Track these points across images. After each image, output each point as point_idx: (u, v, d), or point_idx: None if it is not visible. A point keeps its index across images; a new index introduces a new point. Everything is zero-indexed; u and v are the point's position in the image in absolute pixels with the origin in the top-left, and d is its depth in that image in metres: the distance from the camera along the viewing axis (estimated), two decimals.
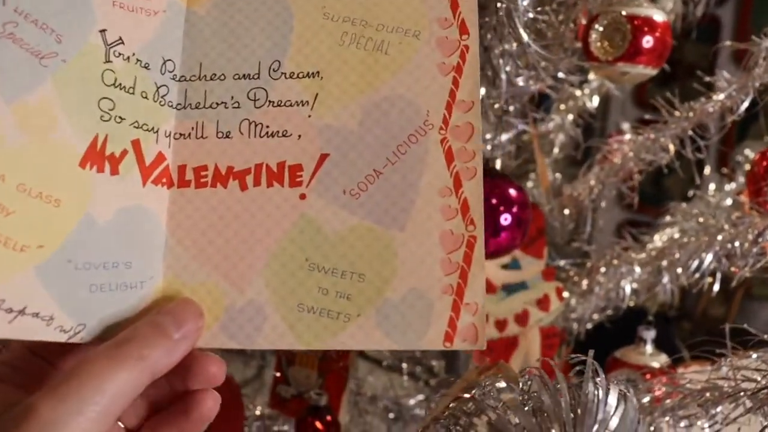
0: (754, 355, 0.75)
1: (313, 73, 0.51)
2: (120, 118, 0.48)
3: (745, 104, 0.92)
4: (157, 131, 0.50)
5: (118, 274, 0.47)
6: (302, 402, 0.97)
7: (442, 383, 0.96)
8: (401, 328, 0.48)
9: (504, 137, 0.90)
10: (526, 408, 0.42)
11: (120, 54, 0.49)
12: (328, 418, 0.92)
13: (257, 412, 1.03)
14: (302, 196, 0.50)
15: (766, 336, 0.74)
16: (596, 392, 0.40)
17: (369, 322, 0.48)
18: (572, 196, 1.08)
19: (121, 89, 0.48)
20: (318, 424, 0.91)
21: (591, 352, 0.43)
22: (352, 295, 0.48)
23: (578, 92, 1.21)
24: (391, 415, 1.19)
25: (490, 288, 0.98)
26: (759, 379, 0.70)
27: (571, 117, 1.21)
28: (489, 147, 0.85)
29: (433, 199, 0.49)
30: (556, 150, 1.20)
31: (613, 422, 0.39)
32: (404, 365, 1.15)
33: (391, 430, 1.19)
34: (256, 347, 0.49)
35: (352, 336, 0.48)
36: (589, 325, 1.14)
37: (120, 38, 0.49)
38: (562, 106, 1.20)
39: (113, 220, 0.47)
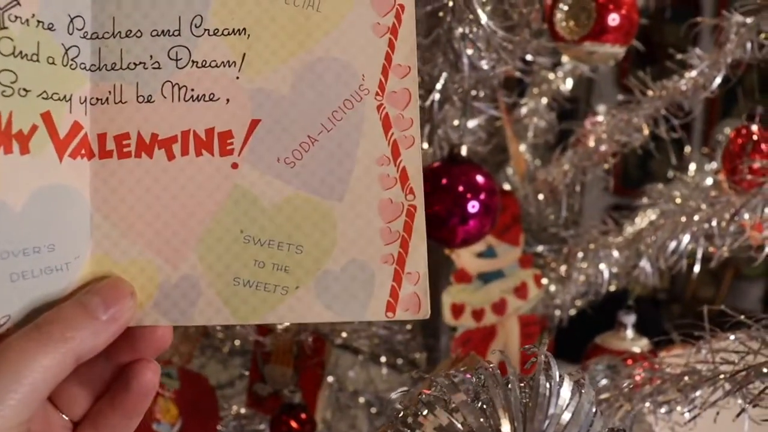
0: (732, 337, 0.74)
1: (238, 30, 0.48)
2: (24, 90, 0.44)
3: (717, 80, 0.91)
4: (69, 99, 0.46)
5: (41, 258, 0.44)
6: (278, 400, 0.96)
7: (423, 376, 0.94)
8: (342, 299, 0.47)
9: (472, 123, 0.88)
10: (478, 404, 0.40)
11: (17, 17, 0.43)
12: (303, 415, 0.90)
13: (233, 412, 1.01)
14: (234, 165, 0.47)
15: (742, 316, 0.72)
16: (548, 385, 0.38)
17: (308, 294, 0.47)
18: (547, 181, 1.06)
19: (22, 58, 0.44)
20: (292, 423, 0.89)
21: (544, 343, 0.41)
22: (289, 267, 0.47)
23: (551, 75, 1.19)
24: (373, 410, 1.18)
25: (465, 277, 0.97)
26: (737, 361, 0.68)
27: (545, 101, 1.19)
28: (455, 134, 0.83)
29: (371, 167, 0.47)
30: (530, 135, 1.18)
31: (566, 416, 0.37)
32: (383, 358, 1.13)
33: (373, 424, 1.17)
34: (190, 324, 0.47)
35: (290, 308, 0.46)
36: (572, 312, 1.13)
37: None
38: (536, 90, 1.18)
39: (29, 203, 0.44)
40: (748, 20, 0.87)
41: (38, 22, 0.44)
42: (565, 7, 0.81)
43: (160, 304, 0.47)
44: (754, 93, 0.96)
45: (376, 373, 1.20)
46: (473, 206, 0.77)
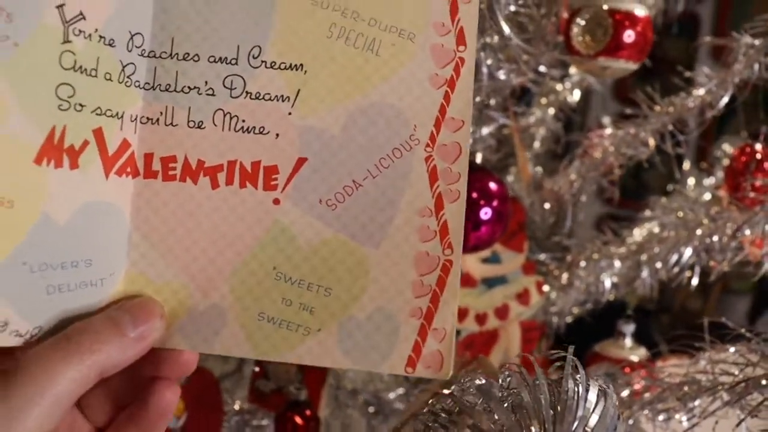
0: (732, 349, 0.76)
1: (296, 65, 0.47)
2: (80, 105, 0.44)
3: (725, 100, 0.93)
4: (121, 116, 0.46)
5: (78, 273, 0.45)
6: (282, 396, 0.97)
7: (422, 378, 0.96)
8: (363, 348, 0.46)
9: (485, 131, 0.90)
10: (505, 405, 0.42)
11: (81, 32, 0.43)
12: (308, 412, 0.92)
13: (236, 407, 1.03)
14: (276, 201, 0.47)
15: (742, 330, 0.74)
16: (576, 389, 0.40)
17: (329, 338, 0.46)
18: (553, 190, 1.09)
19: (81, 73, 0.43)
20: (297, 419, 0.91)
21: (571, 348, 0.43)
22: (315, 308, 0.46)
23: (559, 86, 1.21)
24: (371, 409, 1.19)
25: (470, 282, 0.98)
26: (736, 372, 0.70)
27: (552, 111, 1.21)
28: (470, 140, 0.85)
29: (412, 218, 0.47)
30: (537, 144, 1.20)
31: (593, 419, 0.39)
32: None
33: (371, 423, 1.19)
34: (211, 352, 0.47)
35: (309, 350, 0.46)
36: (570, 319, 1.15)
37: (80, 12, 0.43)
38: (543, 100, 1.20)
39: (73, 218, 0.44)
40: (757, 42, 0.90)
41: (100, 37, 0.44)
42: (582, 22, 0.83)
43: (186, 328, 0.47)
44: (759, 112, 0.98)
45: (375, 372, 1.21)
46: (486, 213, 0.79)
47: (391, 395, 1.17)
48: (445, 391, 0.47)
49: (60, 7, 0.42)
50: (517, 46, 0.73)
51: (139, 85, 0.47)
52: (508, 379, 0.44)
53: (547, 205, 1.09)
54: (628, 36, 0.82)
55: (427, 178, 0.47)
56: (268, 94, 0.48)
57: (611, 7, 0.84)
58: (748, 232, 0.89)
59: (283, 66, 0.48)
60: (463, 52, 0.47)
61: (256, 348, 0.47)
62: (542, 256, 1.11)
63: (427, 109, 0.47)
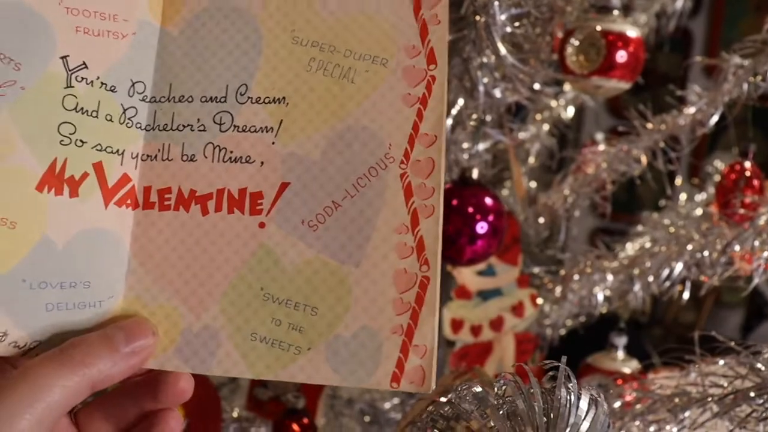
0: (721, 362, 0.78)
1: (278, 99, 0.50)
2: (81, 141, 0.49)
3: (715, 118, 0.95)
4: (122, 153, 0.50)
5: (76, 293, 0.48)
6: (279, 405, 0.98)
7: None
8: (350, 365, 0.47)
9: (481, 146, 0.92)
10: (500, 412, 0.44)
11: (83, 78, 0.49)
12: (305, 420, 0.93)
13: (234, 415, 1.04)
14: (261, 225, 0.49)
15: (732, 343, 0.76)
16: (568, 397, 0.42)
17: (319, 357, 0.47)
18: (547, 204, 1.11)
19: (83, 113, 0.49)
20: (295, 427, 0.92)
21: (564, 359, 0.45)
22: (304, 328, 0.48)
23: (554, 103, 1.23)
24: (367, 419, 1.20)
25: (465, 294, 1.00)
26: (726, 384, 0.72)
27: (546, 127, 1.23)
28: (466, 156, 0.87)
29: (390, 236, 0.48)
30: (531, 159, 1.22)
31: (584, 426, 0.41)
32: None
33: None
34: (209, 373, 0.49)
35: (301, 368, 0.48)
36: (563, 331, 1.16)
37: (84, 63, 0.49)
38: (538, 116, 1.22)
39: (72, 241, 0.48)
40: (746, 62, 0.92)
41: (102, 83, 0.49)
42: (576, 42, 0.85)
43: (182, 350, 0.49)
44: (748, 129, 1.00)
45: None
46: (482, 227, 0.81)
47: (387, 405, 1.19)
48: (443, 399, 0.49)
49: (64, 57, 0.48)
50: (513, 65, 0.75)
51: (140, 127, 0.51)
52: (504, 387, 0.45)
53: (541, 220, 1.11)
54: (621, 56, 0.85)
55: (403, 195, 0.48)
56: (254, 126, 0.50)
57: (604, 28, 0.86)
58: (737, 247, 0.91)
59: (267, 100, 0.51)
60: (434, 70, 0.49)
61: (251, 367, 0.48)
62: (536, 270, 1.12)
63: (401, 127, 0.48)
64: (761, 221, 0.91)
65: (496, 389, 0.46)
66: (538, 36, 0.85)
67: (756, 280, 0.92)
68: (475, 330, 1.00)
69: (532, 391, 0.43)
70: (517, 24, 0.77)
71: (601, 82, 0.86)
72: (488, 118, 0.93)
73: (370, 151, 0.49)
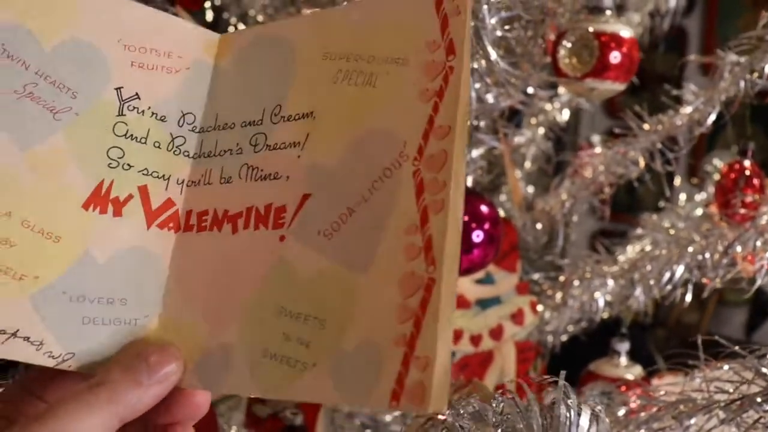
0: (726, 367, 0.76)
1: (307, 114, 0.50)
2: (128, 165, 0.51)
3: (712, 117, 0.94)
4: (167, 178, 0.53)
5: (113, 309, 0.50)
6: (278, 421, 0.97)
7: None
8: (350, 382, 0.43)
9: (475, 153, 0.90)
10: (499, 430, 0.42)
11: (134, 108, 0.52)
12: None
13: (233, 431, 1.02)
14: (282, 238, 0.48)
15: (737, 347, 0.74)
16: (568, 414, 0.40)
17: (322, 374, 0.44)
18: (544, 210, 1.09)
19: (132, 139, 0.52)
20: None
21: (563, 373, 0.43)
22: (311, 342, 0.45)
23: (549, 106, 1.22)
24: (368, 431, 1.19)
25: (464, 303, 0.99)
26: (731, 390, 0.71)
27: (542, 131, 1.21)
28: None
29: (399, 238, 0.43)
30: (527, 164, 1.21)
31: None
32: None
33: None
34: (219, 392, 0.48)
35: (305, 386, 0.44)
36: (564, 338, 1.15)
37: (136, 94, 0.52)
38: (533, 120, 1.21)
39: (113, 259, 0.50)
40: (742, 59, 0.91)
41: (153, 113, 0.53)
42: (569, 45, 0.84)
43: (200, 368, 0.49)
44: (746, 127, 0.99)
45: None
46: (478, 236, 0.80)
47: (388, 417, 1.17)
48: (440, 417, 0.48)
49: (118, 89, 0.52)
50: (504, 70, 0.73)
51: (188, 155, 0.54)
52: (501, 404, 0.44)
53: (539, 225, 1.10)
54: (615, 57, 0.83)
55: (414, 193, 0.44)
56: (284, 143, 0.51)
57: (597, 29, 0.85)
58: (739, 248, 0.90)
59: (296, 117, 0.51)
60: (452, 61, 0.45)
61: (260, 386, 0.47)
62: (535, 276, 1.11)
63: (416, 123, 0.45)
64: (763, 221, 0.89)
65: (493, 406, 0.44)
66: (530, 39, 0.84)
67: (759, 281, 0.90)
68: (475, 340, 0.99)
69: (530, 408, 0.41)
70: (507, 27, 0.75)
71: (596, 84, 0.85)
72: (481, 123, 0.92)
73: (386, 152, 0.46)
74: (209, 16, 1.22)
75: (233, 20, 1.25)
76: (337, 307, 0.45)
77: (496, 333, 1.01)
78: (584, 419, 0.40)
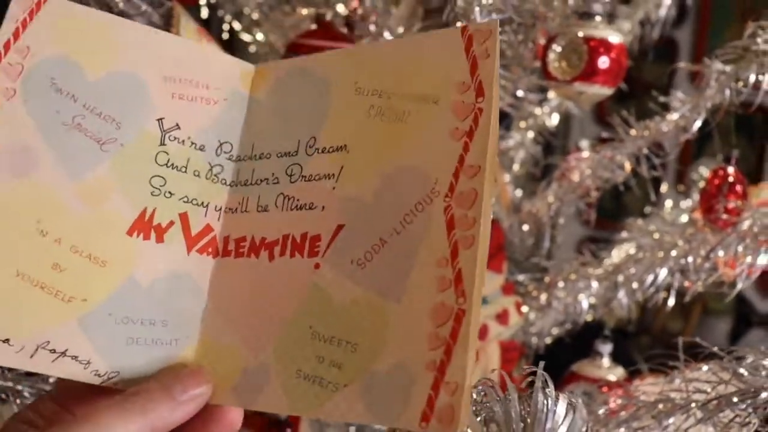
0: (705, 368, 0.78)
1: (341, 147, 0.52)
2: (170, 193, 0.54)
3: (698, 124, 0.95)
4: (206, 205, 0.55)
5: (154, 330, 0.52)
6: (263, 416, 0.98)
7: None
8: (382, 402, 0.45)
9: None
10: (478, 418, 0.43)
11: (175, 138, 0.55)
12: (289, 431, 0.93)
13: None
14: (317, 266, 0.50)
15: (716, 348, 0.76)
16: (545, 402, 0.41)
17: (353, 394, 0.46)
18: (531, 212, 1.10)
19: (172, 168, 0.54)
20: None
21: (541, 364, 0.44)
22: (343, 364, 0.47)
23: (538, 110, 1.23)
24: (352, 429, 1.20)
25: None
26: (709, 390, 0.72)
27: (531, 134, 1.23)
28: None
29: (431, 270, 0.46)
30: (516, 167, 1.22)
31: (561, 430, 0.41)
32: None
33: None
34: (253, 408, 0.49)
35: (336, 406, 0.46)
36: (548, 339, 1.16)
37: (177, 124, 0.54)
38: (522, 124, 1.23)
39: (155, 282, 0.53)
40: (728, 68, 0.92)
41: (192, 143, 0.55)
42: (558, 49, 0.85)
43: (237, 387, 0.50)
44: (731, 136, 1.00)
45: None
46: None
47: None
48: None
49: (160, 119, 0.54)
50: None
51: (225, 183, 0.56)
52: (482, 393, 0.45)
53: (525, 227, 1.11)
54: (603, 62, 0.85)
55: (445, 227, 0.46)
56: (318, 174, 0.52)
57: (586, 34, 0.86)
58: (721, 253, 0.91)
59: (331, 149, 0.52)
60: (482, 103, 0.47)
61: (293, 405, 0.48)
62: (521, 277, 1.12)
63: (447, 161, 0.47)
64: (744, 226, 0.91)
65: (474, 395, 0.46)
66: (521, 42, 0.85)
67: (740, 286, 0.92)
68: None
69: (509, 396, 0.42)
70: (498, 30, 0.77)
71: (584, 87, 0.86)
72: None
73: (418, 187, 0.48)
74: (204, 13, 1.22)
75: (228, 18, 1.26)
76: (370, 332, 0.47)
77: (481, 333, 1.02)
78: (561, 407, 0.42)
